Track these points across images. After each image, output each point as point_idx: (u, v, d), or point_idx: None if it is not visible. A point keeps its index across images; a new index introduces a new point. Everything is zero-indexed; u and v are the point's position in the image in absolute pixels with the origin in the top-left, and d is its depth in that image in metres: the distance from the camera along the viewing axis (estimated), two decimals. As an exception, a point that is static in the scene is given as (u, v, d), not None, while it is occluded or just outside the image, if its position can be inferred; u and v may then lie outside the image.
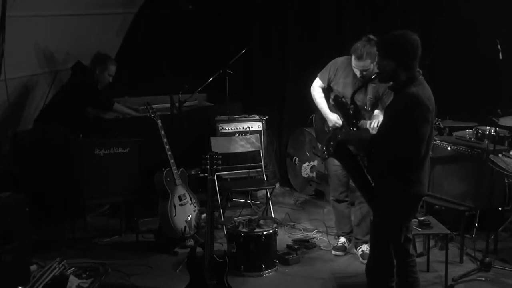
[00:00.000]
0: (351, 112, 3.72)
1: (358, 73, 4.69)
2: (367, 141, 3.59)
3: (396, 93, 3.55)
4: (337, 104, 3.81)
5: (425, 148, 3.41)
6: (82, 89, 5.52)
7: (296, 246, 5.10)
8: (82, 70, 5.65)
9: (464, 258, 4.90)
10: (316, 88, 5.01)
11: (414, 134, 3.34)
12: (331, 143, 3.64)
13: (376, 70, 4.62)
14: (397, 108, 3.45)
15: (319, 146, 5.12)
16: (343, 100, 3.75)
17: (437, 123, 5.27)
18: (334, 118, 4.85)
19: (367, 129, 4.59)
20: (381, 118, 4.65)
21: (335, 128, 4.82)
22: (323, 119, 4.98)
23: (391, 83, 3.56)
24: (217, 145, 5.82)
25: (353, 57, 4.65)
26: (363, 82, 4.07)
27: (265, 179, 5.90)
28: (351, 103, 3.73)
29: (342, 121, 4.72)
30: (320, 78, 4.99)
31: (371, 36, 4.63)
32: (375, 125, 4.62)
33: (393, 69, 3.43)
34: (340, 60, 4.90)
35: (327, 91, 4.98)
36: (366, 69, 4.63)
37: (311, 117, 5.30)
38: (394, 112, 3.47)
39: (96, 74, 5.61)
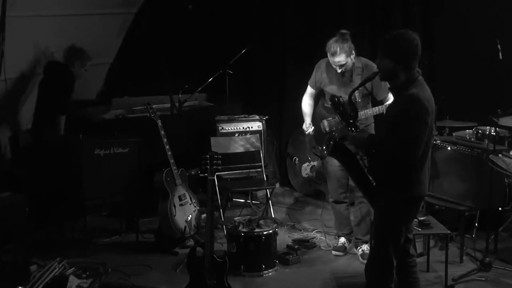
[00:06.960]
0: (349, 112, 3.70)
1: (337, 69, 4.73)
2: (365, 140, 3.59)
3: (396, 94, 3.54)
4: (333, 104, 3.78)
5: (423, 149, 3.39)
6: (61, 91, 5.40)
7: (296, 246, 5.09)
8: (59, 70, 5.48)
9: (464, 258, 4.89)
10: (305, 97, 5.08)
11: (411, 134, 3.32)
12: (330, 142, 3.65)
13: (351, 63, 4.71)
14: (397, 109, 3.44)
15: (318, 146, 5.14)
16: (341, 100, 3.73)
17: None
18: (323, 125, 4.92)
19: (365, 129, 4.59)
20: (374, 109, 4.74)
21: (330, 132, 4.83)
22: (318, 121, 5.00)
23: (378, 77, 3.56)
24: (217, 145, 5.82)
25: (328, 55, 4.71)
26: (361, 81, 4.07)
27: (265, 179, 5.90)
28: (349, 102, 3.72)
29: (339, 121, 4.74)
30: (309, 85, 5.05)
31: (344, 31, 4.69)
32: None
33: (392, 68, 3.41)
34: (322, 61, 4.93)
35: (320, 94, 5.00)
36: (343, 64, 4.68)
37: None
38: (394, 112, 3.47)
39: (74, 69, 5.49)
